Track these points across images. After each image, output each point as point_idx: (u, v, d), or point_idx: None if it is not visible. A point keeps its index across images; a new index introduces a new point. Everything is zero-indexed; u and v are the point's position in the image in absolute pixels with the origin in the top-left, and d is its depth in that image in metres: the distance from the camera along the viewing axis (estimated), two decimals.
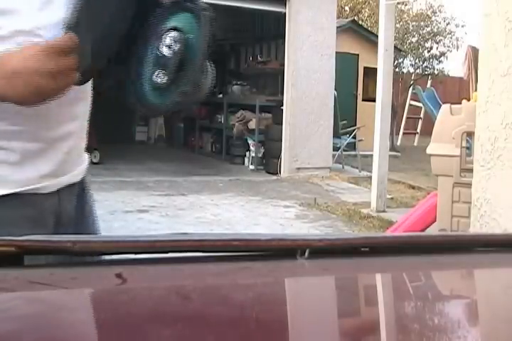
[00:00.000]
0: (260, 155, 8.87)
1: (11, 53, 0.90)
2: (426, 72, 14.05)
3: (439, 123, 4.33)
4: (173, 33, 0.97)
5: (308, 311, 0.45)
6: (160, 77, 0.99)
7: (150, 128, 11.93)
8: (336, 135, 9.34)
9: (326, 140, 8.82)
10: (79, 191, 1.18)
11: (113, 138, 9.59)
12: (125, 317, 0.43)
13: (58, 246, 0.55)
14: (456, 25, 14.67)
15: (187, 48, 0.96)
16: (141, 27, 0.99)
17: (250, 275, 0.55)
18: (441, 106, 4.70)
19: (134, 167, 8.30)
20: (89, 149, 1.22)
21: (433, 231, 4.29)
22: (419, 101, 12.96)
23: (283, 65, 8.87)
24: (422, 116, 13.49)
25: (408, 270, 0.61)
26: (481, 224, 2.65)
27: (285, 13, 8.53)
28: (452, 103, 4.43)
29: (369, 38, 11.64)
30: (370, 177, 6.63)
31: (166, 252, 0.62)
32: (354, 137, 9.91)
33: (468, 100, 4.69)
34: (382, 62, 6.17)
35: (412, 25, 14.50)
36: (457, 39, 14.36)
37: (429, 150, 4.34)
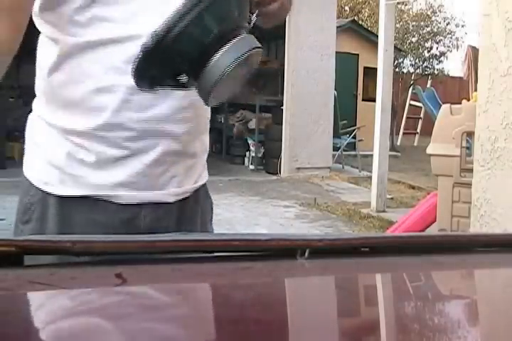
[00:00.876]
0: (260, 155, 8.87)
1: None
2: (426, 72, 14.06)
3: (439, 123, 4.33)
4: None
5: (308, 311, 0.45)
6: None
7: None
8: (336, 135, 9.34)
9: (326, 140, 8.82)
10: (177, 214, 1.09)
11: None
12: (125, 317, 0.43)
13: (58, 246, 0.55)
14: (456, 25, 14.67)
15: None
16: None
17: (250, 275, 0.55)
18: (441, 106, 4.70)
19: None
20: None
21: (433, 231, 4.29)
22: (419, 101, 12.96)
23: (283, 64, 8.87)
24: (422, 116, 13.49)
25: (408, 270, 0.61)
26: (481, 224, 2.65)
27: None
28: (452, 103, 4.43)
29: (369, 37, 11.64)
30: (370, 177, 6.63)
31: (166, 252, 0.62)
32: (354, 137, 9.91)
33: (468, 100, 4.69)
34: (382, 62, 6.17)
35: (412, 25, 14.50)
36: (457, 39, 14.37)
37: (429, 150, 4.35)
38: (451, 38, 14.42)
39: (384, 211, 6.06)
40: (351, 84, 12.01)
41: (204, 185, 1.17)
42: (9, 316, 0.42)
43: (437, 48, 14.31)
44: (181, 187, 1.09)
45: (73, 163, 1.04)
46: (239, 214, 5.69)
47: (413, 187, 7.80)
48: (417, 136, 13.76)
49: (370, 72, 10.55)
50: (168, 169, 1.06)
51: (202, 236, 0.63)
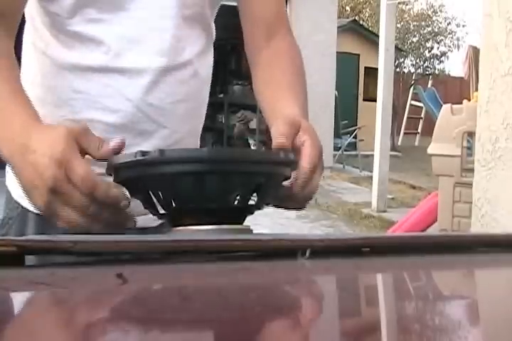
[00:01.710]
0: None
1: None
2: (427, 72, 14.07)
3: (440, 123, 4.32)
4: None
5: (308, 311, 0.45)
6: None
7: None
8: (337, 135, 9.35)
9: (326, 140, 8.82)
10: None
11: None
12: (125, 317, 0.43)
13: (59, 246, 0.55)
14: (457, 25, 14.70)
15: None
16: None
17: (250, 276, 0.55)
18: (442, 106, 4.70)
19: None
20: None
21: (434, 231, 4.29)
22: (420, 101, 12.96)
23: None
24: (422, 116, 13.49)
25: (409, 270, 0.61)
26: (482, 224, 2.65)
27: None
28: (453, 103, 4.43)
29: (370, 37, 11.64)
30: (371, 177, 6.63)
31: (166, 253, 0.62)
32: (355, 137, 9.91)
33: (469, 100, 4.69)
34: (383, 62, 6.17)
35: (413, 25, 14.51)
36: (458, 39, 14.39)
37: (429, 150, 4.35)
38: (452, 37, 14.44)
39: (385, 211, 6.06)
40: (352, 84, 12.02)
41: None
42: (9, 316, 0.42)
43: (438, 48, 14.33)
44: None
45: None
46: None
47: (414, 187, 7.80)
48: (417, 136, 13.77)
49: (371, 72, 10.55)
50: None
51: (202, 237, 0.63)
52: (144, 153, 0.69)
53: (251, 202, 0.75)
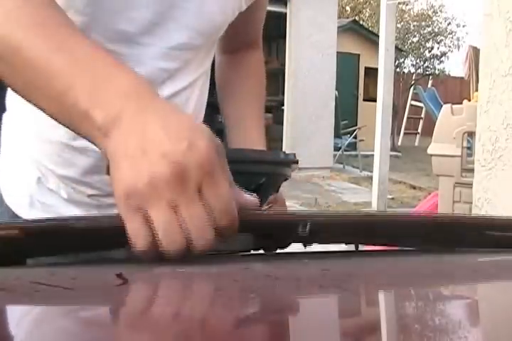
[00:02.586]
0: None
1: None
2: (427, 72, 14.08)
3: (440, 123, 4.33)
4: None
5: (308, 311, 0.45)
6: None
7: None
8: (337, 135, 9.35)
9: (326, 140, 8.83)
10: None
11: None
12: (125, 317, 0.43)
13: (62, 224, 0.55)
14: (457, 25, 14.70)
15: None
16: None
17: (250, 276, 0.55)
18: (442, 106, 4.70)
19: None
20: None
21: None
22: (420, 101, 12.97)
23: (284, 64, 8.88)
24: (422, 116, 13.50)
25: (409, 270, 0.61)
26: None
27: (286, 13, 8.54)
28: (453, 103, 4.43)
29: (370, 37, 11.65)
30: (371, 177, 6.63)
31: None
32: (355, 137, 9.92)
33: (469, 100, 4.69)
34: (383, 62, 6.17)
35: (413, 25, 14.52)
36: (458, 39, 14.40)
37: (430, 151, 4.35)
38: (452, 38, 14.45)
39: (385, 211, 6.06)
40: (352, 84, 12.02)
41: None
42: (9, 316, 0.42)
43: (438, 48, 14.34)
44: None
45: (44, 191, 0.94)
46: None
47: (414, 188, 7.80)
48: (417, 136, 13.77)
49: (371, 72, 10.55)
50: None
51: None
52: None
53: None
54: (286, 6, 8.48)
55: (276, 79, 9.74)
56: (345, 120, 10.03)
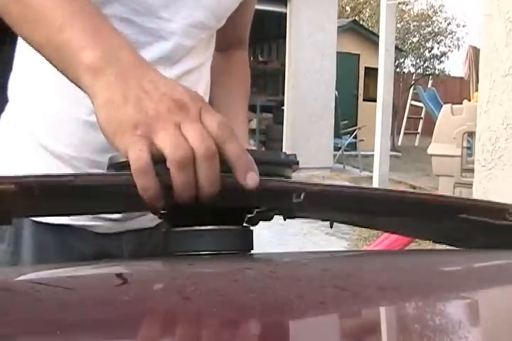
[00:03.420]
0: None
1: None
2: (427, 72, 14.08)
3: (440, 123, 4.33)
4: None
5: (308, 311, 0.45)
6: None
7: None
8: (337, 135, 9.35)
9: (326, 140, 8.83)
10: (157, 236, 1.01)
11: None
12: (125, 317, 0.43)
13: (59, 180, 0.54)
14: (457, 25, 14.70)
15: None
16: None
17: (251, 276, 0.55)
18: (442, 106, 4.70)
19: None
20: None
21: None
22: (420, 101, 12.97)
23: (284, 64, 8.88)
24: (422, 116, 13.50)
25: (409, 270, 0.61)
26: None
27: (286, 13, 8.54)
28: (453, 103, 4.43)
29: (370, 37, 11.65)
30: (371, 178, 6.63)
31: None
32: (355, 137, 9.92)
33: (469, 100, 4.70)
34: (383, 62, 6.18)
35: (413, 25, 14.52)
36: (458, 39, 14.40)
37: (430, 151, 4.35)
38: (452, 38, 14.45)
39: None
40: (352, 84, 12.02)
41: None
42: (9, 316, 0.42)
43: (438, 48, 14.34)
44: None
45: None
46: None
47: (414, 188, 7.79)
48: (417, 136, 13.78)
49: (371, 72, 10.56)
50: None
51: None
52: None
53: None
54: (286, 6, 8.48)
55: (276, 79, 9.75)
56: (345, 120, 10.03)
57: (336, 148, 9.33)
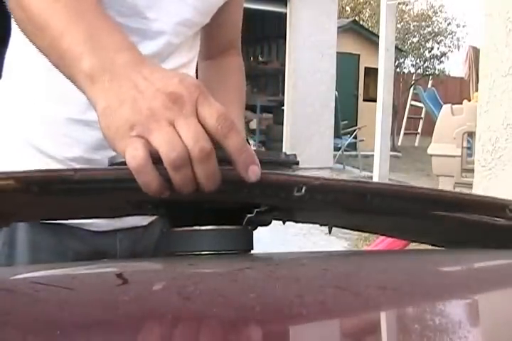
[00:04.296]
0: None
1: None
2: (427, 72, 14.07)
3: (440, 123, 4.33)
4: None
5: (308, 311, 0.45)
6: None
7: None
8: (337, 135, 9.35)
9: (326, 140, 8.83)
10: (155, 233, 1.03)
11: None
12: (125, 317, 0.43)
13: (59, 175, 0.54)
14: (457, 26, 14.70)
15: None
16: None
17: (251, 276, 0.55)
18: (442, 106, 4.70)
19: None
20: None
21: None
22: (420, 102, 12.97)
23: (284, 65, 8.88)
24: (422, 116, 13.49)
25: (409, 269, 0.61)
26: None
27: (286, 13, 8.54)
28: (453, 103, 4.43)
29: (370, 38, 11.65)
30: (371, 178, 6.62)
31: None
32: (355, 137, 9.91)
33: (469, 100, 4.70)
34: (383, 62, 6.17)
35: (413, 26, 14.51)
36: (458, 39, 14.40)
37: (430, 151, 4.35)
38: (452, 38, 14.44)
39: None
40: (352, 85, 12.02)
41: None
42: (9, 316, 0.42)
43: (438, 48, 14.33)
44: None
45: None
46: None
47: None
48: (417, 136, 13.77)
49: (371, 73, 10.56)
50: None
51: None
52: None
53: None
54: (286, 6, 8.48)
55: (276, 79, 9.75)
56: (345, 120, 10.02)
57: (336, 148, 9.33)
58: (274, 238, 4.87)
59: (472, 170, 3.12)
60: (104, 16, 0.69)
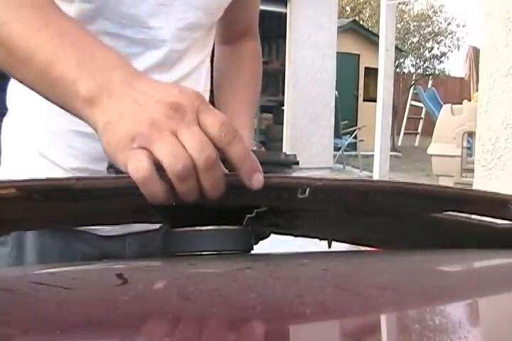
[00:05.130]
0: None
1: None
2: (427, 72, 14.07)
3: (440, 123, 4.33)
4: None
5: (308, 311, 0.45)
6: None
7: None
8: (337, 135, 9.35)
9: (327, 140, 8.82)
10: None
11: None
12: (125, 317, 0.43)
13: (61, 184, 0.54)
14: (457, 26, 14.70)
15: None
16: None
17: (251, 276, 0.55)
18: (442, 106, 4.70)
19: None
20: None
21: None
22: (420, 102, 12.97)
23: (284, 65, 8.88)
24: (423, 116, 13.50)
25: (409, 269, 0.61)
26: None
27: (286, 13, 8.54)
28: (453, 103, 4.43)
29: (370, 38, 11.65)
30: (371, 178, 6.62)
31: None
32: (355, 137, 9.91)
33: (469, 100, 4.70)
34: (383, 62, 6.17)
35: (413, 26, 14.51)
36: (458, 39, 14.40)
37: (430, 151, 4.35)
38: (452, 38, 14.45)
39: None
40: (352, 85, 12.02)
41: None
42: (9, 316, 0.42)
43: (438, 48, 14.34)
44: None
45: None
46: None
47: None
48: (417, 136, 13.77)
49: (371, 73, 10.56)
50: None
51: None
52: None
53: None
54: (286, 6, 8.48)
55: (276, 79, 9.75)
56: (345, 120, 10.02)
57: (336, 148, 9.33)
58: (274, 238, 4.87)
59: (472, 170, 3.12)
60: (90, 37, 0.67)
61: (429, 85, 13.76)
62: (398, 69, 12.85)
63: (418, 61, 14.05)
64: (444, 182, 4.22)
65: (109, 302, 0.46)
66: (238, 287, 0.51)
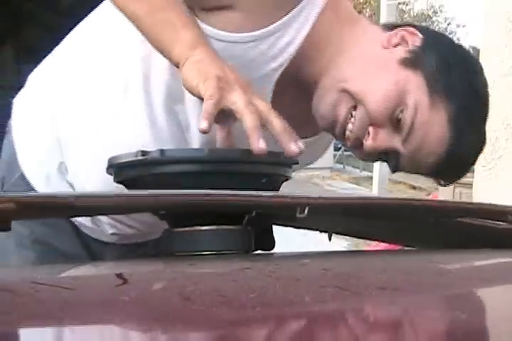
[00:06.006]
0: None
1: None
2: None
3: None
4: None
5: (308, 311, 0.45)
6: None
7: None
8: None
9: None
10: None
11: None
12: (125, 317, 0.43)
13: (60, 201, 0.54)
14: (457, 26, 14.72)
15: None
16: None
17: (251, 276, 0.55)
18: None
19: None
20: None
21: None
22: None
23: None
24: None
25: (409, 269, 0.61)
26: None
27: None
28: None
29: None
30: (371, 177, 6.62)
31: (161, 208, 0.62)
32: None
33: None
34: None
35: None
36: (458, 39, 14.39)
37: None
38: (452, 38, 14.44)
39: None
40: None
41: None
42: (9, 316, 0.42)
43: None
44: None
45: (60, 181, 0.95)
46: None
47: (414, 188, 7.80)
48: None
49: None
50: None
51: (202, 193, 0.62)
52: (144, 153, 0.69)
53: None
54: None
55: None
56: None
57: (336, 148, 9.32)
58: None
59: (472, 170, 3.12)
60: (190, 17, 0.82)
61: None
62: None
63: None
64: None
65: (109, 303, 0.46)
66: (238, 287, 0.51)
